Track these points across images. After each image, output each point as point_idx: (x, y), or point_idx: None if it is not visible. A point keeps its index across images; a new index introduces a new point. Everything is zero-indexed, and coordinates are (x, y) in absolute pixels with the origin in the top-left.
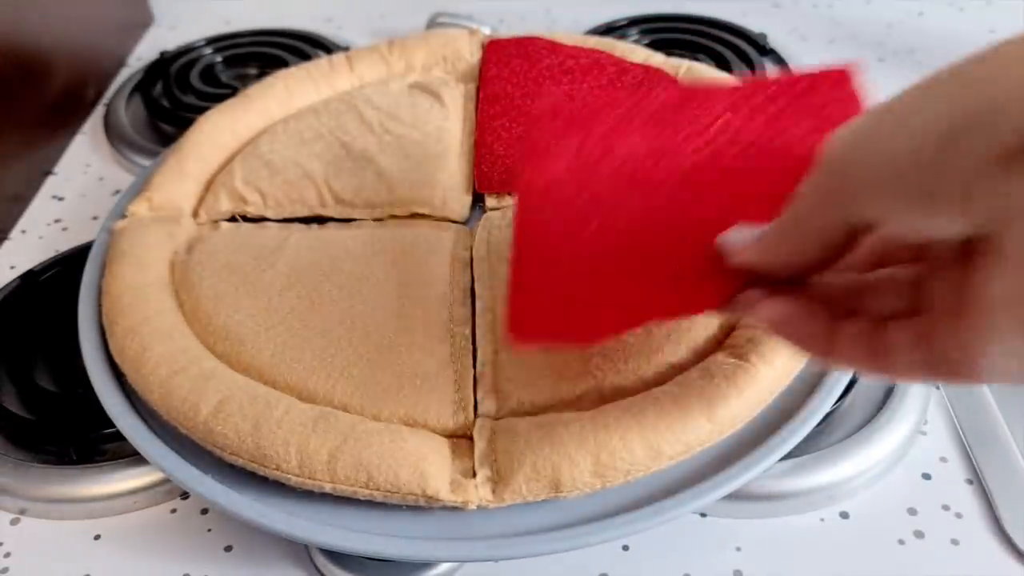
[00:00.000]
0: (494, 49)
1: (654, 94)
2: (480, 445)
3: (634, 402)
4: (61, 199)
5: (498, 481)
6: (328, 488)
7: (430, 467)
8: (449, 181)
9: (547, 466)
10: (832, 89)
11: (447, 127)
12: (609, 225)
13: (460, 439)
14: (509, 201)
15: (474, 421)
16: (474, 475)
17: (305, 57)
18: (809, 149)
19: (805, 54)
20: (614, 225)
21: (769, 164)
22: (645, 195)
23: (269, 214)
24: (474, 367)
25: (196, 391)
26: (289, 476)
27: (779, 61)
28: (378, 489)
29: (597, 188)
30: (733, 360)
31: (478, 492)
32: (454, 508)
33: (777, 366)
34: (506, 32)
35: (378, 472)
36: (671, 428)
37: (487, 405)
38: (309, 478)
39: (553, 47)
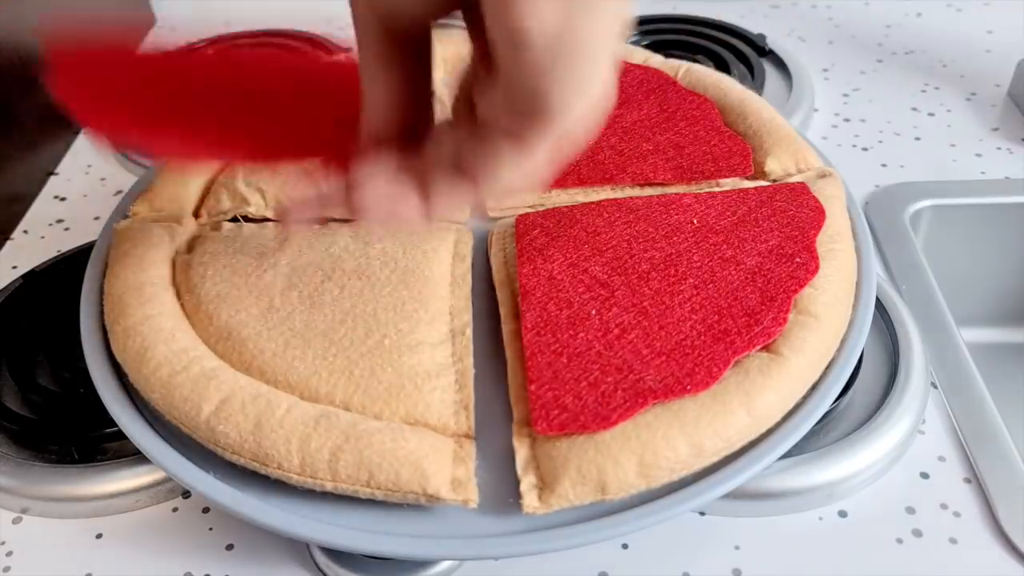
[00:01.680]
0: None
1: (639, 198)
2: (521, 452)
3: (673, 400)
4: (63, 199)
5: (544, 487)
6: (330, 487)
7: (431, 466)
8: None
9: (592, 469)
10: (792, 197)
11: None
12: (605, 312)
13: (462, 439)
14: (510, 202)
15: (471, 424)
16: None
17: None
18: (775, 243)
19: (804, 55)
20: (610, 312)
21: (734, 256)
22: (633, 284)
23: (271, 214)
24: (474, 367)
25: (198, 391)
26: (291, 475)
27: (778, 62)
28: (379, 488)
29: (591, 280)
30: (766, 353)
31: (524, 499)
32: (455, 506)
33: (809, 358)
34: None
35: (379, 471)
36: (712, 424)
37: (520, 410)
38: (311, 477)
39: None
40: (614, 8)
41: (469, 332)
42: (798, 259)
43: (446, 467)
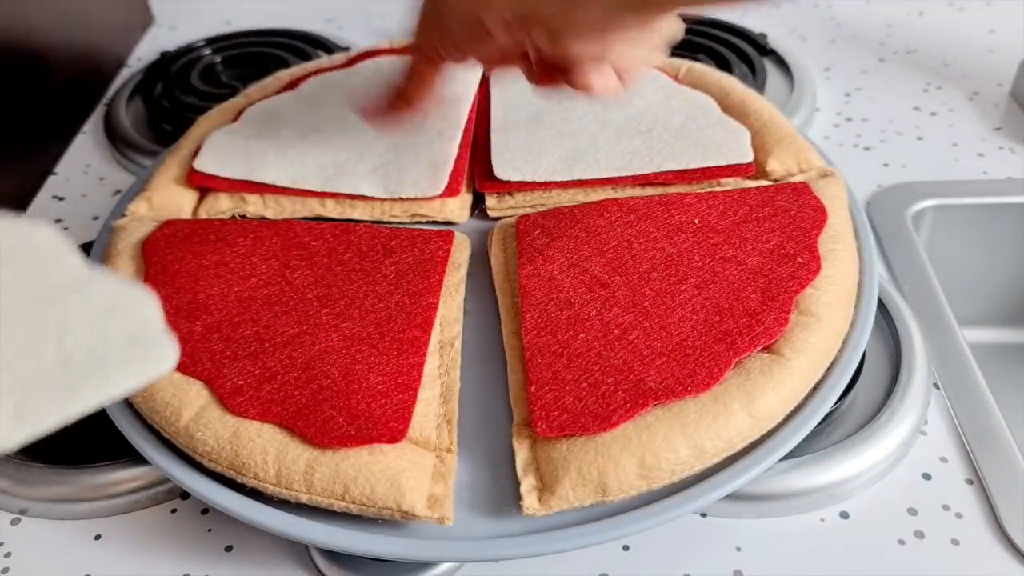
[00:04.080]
0: None
1: (640, 198)
2: (521, 454)
3: (674, 401)
4: (62, 199)
5: (543, 489)
6: (304, 499)
7: (407, 482)
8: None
9: (592, 471)
10: (794, 196)
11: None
12: (606, 312)
13: (444, 453)
14: (510, 201)
15: (454, 439)
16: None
17: (306, 57)
18: (776, 243)
19: (805, 54)
20: (610, 313)
21: (735, 256)
22: (634, 284)
23: (268, 214)
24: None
25: (179, 396)
26: (266, 485)
27: (779, 61)
28: (354, 502)
29: (591, 281)
30: (767, 354)
31: (524, 501)
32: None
33: (810, 358)
34: None
35: (354, 485)
36: (712, 426)
37: (520, 411)
38: (286, 488)
39: None
40: None
41: (458, 344)
42: (799, 259)
43: (423, 483)
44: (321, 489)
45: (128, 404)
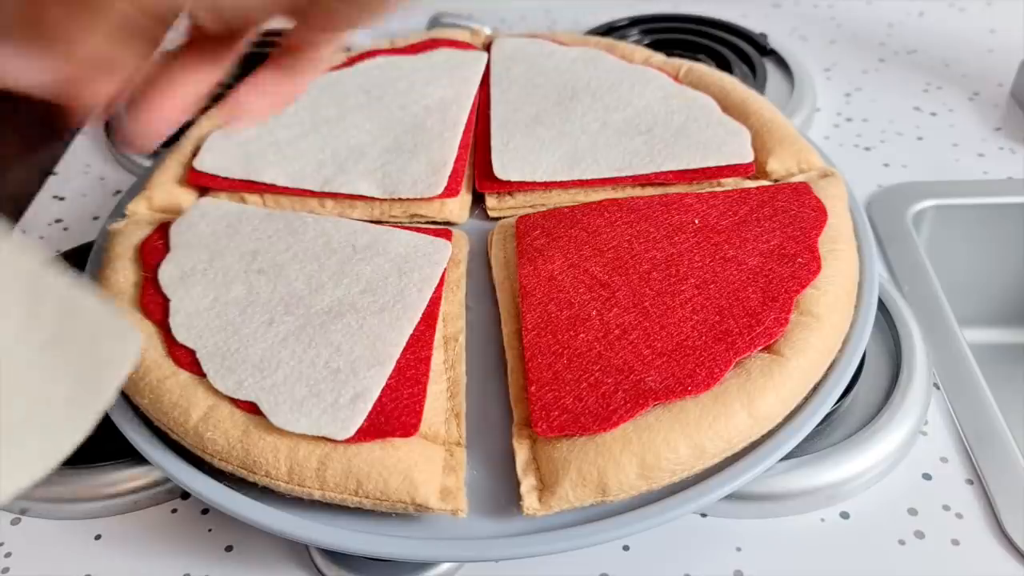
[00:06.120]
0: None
1: (640, 198)
2: (521, 455)
3: (674, 401)
4: (62, 199)
5: (543, 489)
6: (317, 495)
7: (420, 475)
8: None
9: (592, 471)
10: (794, 197)
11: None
12: (606, 312)
13: (453, 447)
14: (510, 201)
15: (463, 433)
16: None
17: None
18: (776, 244)
19: (805, 54)
20: (611, 313)
21: (735, 256)
22: (634, 284)
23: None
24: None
25: (186, 396)
26: (278, 483)
27: (779, 61)
28: (367, 497)
29: (591, 281)
30: (767, 354)
31: (524, 501)
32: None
33: (811, 358)
34: (507, 32)
35: (367, 480)
36: (713, 426)
37: (520, 411)
38: (298, 485)
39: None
40: None
41: (462, 339)
42: (800, 259)
43: (435, 476)
44: (334, 485)
45: (131, 404)
